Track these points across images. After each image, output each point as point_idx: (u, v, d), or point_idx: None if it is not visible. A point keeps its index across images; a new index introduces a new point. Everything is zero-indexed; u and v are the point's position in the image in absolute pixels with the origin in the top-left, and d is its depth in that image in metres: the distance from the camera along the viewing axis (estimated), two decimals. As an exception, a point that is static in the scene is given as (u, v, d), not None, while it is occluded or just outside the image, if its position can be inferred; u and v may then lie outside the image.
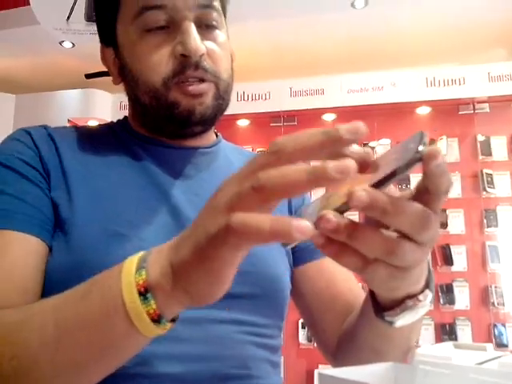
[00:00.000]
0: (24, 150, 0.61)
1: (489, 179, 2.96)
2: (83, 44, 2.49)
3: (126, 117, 0.74)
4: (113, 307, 0.39)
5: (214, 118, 0.65)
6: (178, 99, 0.61)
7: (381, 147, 3.17)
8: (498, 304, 2.81)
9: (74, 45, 3.02)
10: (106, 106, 3.29)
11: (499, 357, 0.72)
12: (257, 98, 3.24)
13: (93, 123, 3.50)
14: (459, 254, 2.93)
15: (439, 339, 2.83)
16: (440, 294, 2.89)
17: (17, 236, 0.55)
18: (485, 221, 2.92)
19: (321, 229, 0.34)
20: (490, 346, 0.81)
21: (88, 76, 0.82)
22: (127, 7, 0.63)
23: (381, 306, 0.48)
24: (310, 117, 3.26)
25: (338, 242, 0.36)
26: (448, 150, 3.04)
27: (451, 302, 2.88)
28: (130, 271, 0.39)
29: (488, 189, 2.94)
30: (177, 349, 0.54)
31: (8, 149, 0.62)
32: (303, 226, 0.31)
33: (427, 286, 0.46)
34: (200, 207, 0.62)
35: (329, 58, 3.28)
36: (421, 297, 0.45)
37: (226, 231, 0.33)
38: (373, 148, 3.18)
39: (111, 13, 0.65)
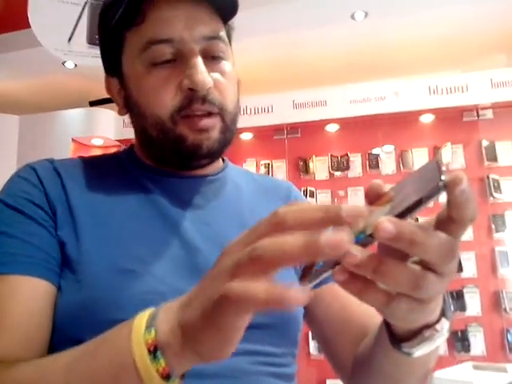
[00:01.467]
0: (30, 189, 0.61)
1: (495, 184, 2.96)
2: (85, 64, 2.49)
3: (132, 146, 0.73)
4: (123, 366, 0.39)
5: (220, 150, 0.65)
6: (185, 134, 0.61)
7: (384, 154, 3.18)
8: (509, 309, 2.80)
9: (76, 65, 3.04)
10: (110, 124, 3.30)
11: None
12: (260, 111, 3.25)
13: (97, 141, 3.50)
14: (468, 261, 2.92)
15: (452, 346, 2.82)
16: (450, 300, 2.88)
17: (23, 280, 0.55)
18: (493, 226, 2.91)
19: (345, 263, 0.33)
20: (510, 367, 0.80)
21: (92, 103, 0.82)
22: (133, 40, 0.62)
23: (397, 337, 0.47)
24: (313, 128, 3.27)
25: (361, 279, 0.35)
26: (453, 156, 3.04)
27: (462, 308, 2.86)
28: (139, 330, 0.39)
29: (495, 194, 2.93)
30: None
31: (14, 188, 0.62)
32: (298, 295, 0.32)
33: (443, 314, 0.45)
34: (210, 237, 0.63)
35: (331, 69, 3.29)
36: (438, 326, 0.44)
37: (225, 299, 0.34)
38: (377, 155, 3.19)
39: (116, 45, 0.65)
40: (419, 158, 3.14)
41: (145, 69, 0.61)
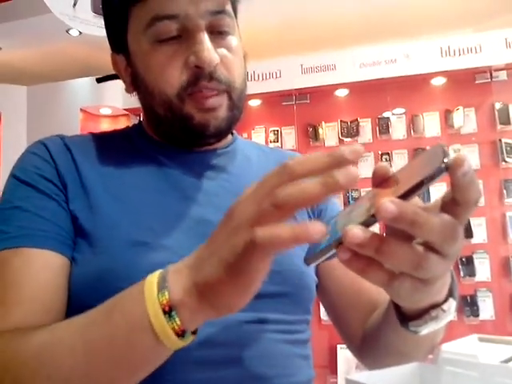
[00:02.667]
0: (41, 165, 0.62)
1: (508, 149, 2.90)
2: (91, 33, 2.46)
3: (140, 122, 0.73)
4: (138, 327, 0.42)
5: (228, 128, 0.65)
6: (192, 113, 0.61)
7: (394, 118, 3.13)
8: (519, 274, 2.80)
9: (80, 32, 3.01)
10: (117, 93, 3.28)
11: (526, 351, 0.72)
12: (267, 77, 3.20)
13: (105, 111, 3.50)
14: (479, 226, 2.90)
15: (461, 311, 2.84)
16: (460, 266, 2.88)
17: (37, 253, 0.56)
18: (505, 191, 2.87)
19: (347, 243, 0.34)
20: (515, 339, 0.81)
21: (99, 80, 0.80)
22: (137, 17, 0.61)
23: (405, 316, 0.48)
24: (322, 93, 3.21)
25: (364, 257, 0.36)
26: (465, 120, 2.98)
27: (472, 274, 2.87)
28: (152, 292, 0.41)
29: (507, 158, 2.88)
30: (206, 353, 0.55)
31: (26, 164, 0.63)
32: (318, 227, 0.35)
33: (450, 294, 0.46)
34: (220, 208, 0.64)
35: (339, 32, 3.21)
36: (445, 306, 0.46)
37: (253, 246, 0.36)
38: (387, 120, 3.14)
39: (121, 21, 0.64)
40: (430, 122, 3.08)
41: (150, 46, 0.61)
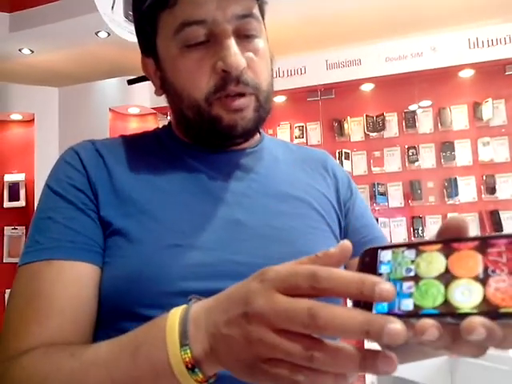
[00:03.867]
0: (73, 174, 0.64)
1: (539, 141, 2.85)
2: (124, 37, 2.51)
3: (169, 123, 0.76)
4: (164, 375, 0.42)
5: (255, 129, 0.67)
6: (220, 114, 0.62)
7: (420, 110, 3.09)
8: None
9: (109, 34, 3.08)
10: (145, 92, 3.35)
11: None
12: (292, 73, 3.21)
13: (133, 110, 3.57)
14: (509, 219, 2.86)
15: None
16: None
17: (67, 265, 0.58)
18: (536, 184, 2.82)
19: (418, 338, 0.30)
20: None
21: (130, 82, 0.82)
22: (167, 23, 0.63)
23: None
24: (347, 88, 3.20)
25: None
26: (494, 112, 2.93)
27: None
28: (174, 346, 0.41)
29: (538, 151, 2.82)
30: None
31: (59, 173, 0.65)
32: None
33: None
34: (250, 208, 0.65)
35: (364, 25, 3.18)
36: None
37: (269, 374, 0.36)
38: (414, 114, 3.11)
39: (150, 26, 0.66)
40: (458, 115, 3.04)
41: (179, 51, 0.62)
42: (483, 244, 0.30)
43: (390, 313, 0.32)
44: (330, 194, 0.75)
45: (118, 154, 0.68)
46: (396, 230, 3.05)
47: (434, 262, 0.32)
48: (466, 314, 0.29)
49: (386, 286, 0.32)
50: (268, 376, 0.36)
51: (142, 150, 0.71)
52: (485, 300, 0.29)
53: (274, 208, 0.67)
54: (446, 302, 0.30)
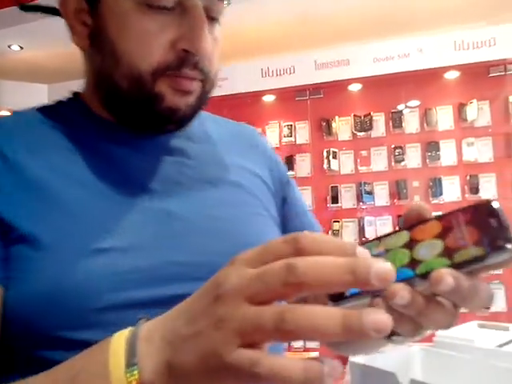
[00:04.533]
0: None
1: (522, 142, 2.91)
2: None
3: (75, 94, 0.61)
4: None
5: (192, 118, 0.58)
6: (163, 93, 0.53)
7: (407, 110, 3.14)
8: (533, 267, 2.81)
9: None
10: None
11: (521, 337, 0.77)
12: (282, 72, 3.24)
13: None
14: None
15: (474, 303, 2.86)
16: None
17: None
18: (517, 184, 2.89)
19: (391, 303, 0.31)
20: (512, 326, 0.86)
21: (24, 8, 0.54)
22: None
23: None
24: (335, 88, 3.24)
25: (395, 311, 0.32)
26: (479, 113, 2.99)
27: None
28: (119, 369, 0.34)
29: (521, 151, 2.89)
30: None
31: None
32: (333, 370, 0.29)
33: None
34: (183, 197, 0.56)
35: (352, 26, 3.22)
36: None
37: (251, 375, 0.29)
38: (400, 114, 3.15)
39: None
40: (443, 115, 3.09)
41: (136, 6, 0.51)
42: (440, 218, 0.34)
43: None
44: (265, 175, 0.67)
45: (22, 140, 0.54)
46: (382, 229, 3.10)
47: (399, 237, 0.35)
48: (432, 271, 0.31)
49: (364, 256, 0.30)
50: (233, 373, 0.30)
51: (46, 132, 0.56)
52: (445, 248, 0.32)
53: (210, 196, 0.59)
54: (413, 260, 0.33)
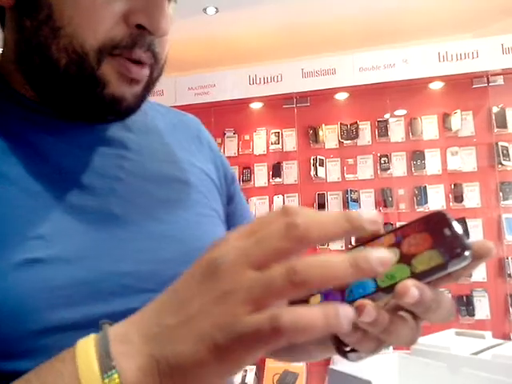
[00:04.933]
0: None
1: (504, 152, 2.96)
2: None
3: None
4: None
5: (135, 111, 0.50)
6: (107, 78, 0.45)
7: (393, 120, 3.19)
8: (514, 275, 2.86)
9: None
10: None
11: (496, 345, 0.79)
12: (269, 80, 3.26)
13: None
14: (475, 228, 2.96)
15: (457, 311, 2.90)
16: (457, 266, 2.94)
17: None
18: (501, 194, 2.93)
19: (358, 320, 0.30)
20: (488, 334, 0.88)
21: None
22: None
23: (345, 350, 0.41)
24: (322, 97, 3.27)
25: (360, 329, 0.32)
26: (462, 123, 3.04)
27: (468, 274, 2.93)
28: (92, 375, 0.29)
29: (504, 162, 2.94)
30: None
31: None
32: (349, 315, 0.28)
33: None
34: (125, 196, 0.48)
35: (339, 36, 3.27)
36: None
37: (273, 330, 0.27)
38: (386, 123, 3.19)
39: None
40: (428, 125, 3.14)
41: None
42: (393, 231, 0.34)
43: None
44: (211, 171, 0.61)
45: None
46: (367, 236, 3.12)
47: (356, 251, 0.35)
48: (395, 284, 0.31)
49: (370, 215, 0.30)
50: (249, 340, 0.28)
51: None
52: (403, 257, 0.32)
53: (156, 195, 0.52)
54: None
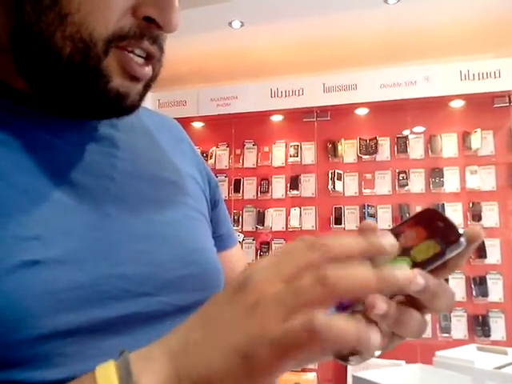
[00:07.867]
0: None
1: (524, 172, 2.95)
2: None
3: None
4: None
5: (137, 109, 0.48)
6: (111, 71, 0.43)
7: (412, 136, 3.19)
8: (532, 297, 2.83)
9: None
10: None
11: (518, 361, 0.80)
12: (290, 94, 3.31)
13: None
14: (493, 247, 2.95)
15: (472, 331, 2.87)
16: (473, 286, 2.92)
17: None
18: (520, 214, 2.92)
19: (370, 315, 0.31)
20: (511, 351, 0.89)
21: None
22: None
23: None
24: (342, 111, 3.30)
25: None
26: (482, 142, 3.04)
27: (484, 294, 2.90)
28: None
29: (523, 182, 2.93)
30: None
31: None
32: (376, 342, 0.30)
33: None
34: (119, 196, 0.47)
35: (361, 52, 3.30)
36: None
37: (309, 336, 0.28)
38: (405, 139, 3.21)
39: None
40: (448, 143, 3.14)
41: None
42: (390, 230, 0.37)
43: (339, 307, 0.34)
44: (195, 174, 0.60)
45: None
46: (383, 252, 3.12)
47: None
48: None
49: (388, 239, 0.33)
50: (285, 345, 0.29)
51: None
52: (401, 249, 0.35)
53: (149, 195, 0.51)
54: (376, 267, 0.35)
